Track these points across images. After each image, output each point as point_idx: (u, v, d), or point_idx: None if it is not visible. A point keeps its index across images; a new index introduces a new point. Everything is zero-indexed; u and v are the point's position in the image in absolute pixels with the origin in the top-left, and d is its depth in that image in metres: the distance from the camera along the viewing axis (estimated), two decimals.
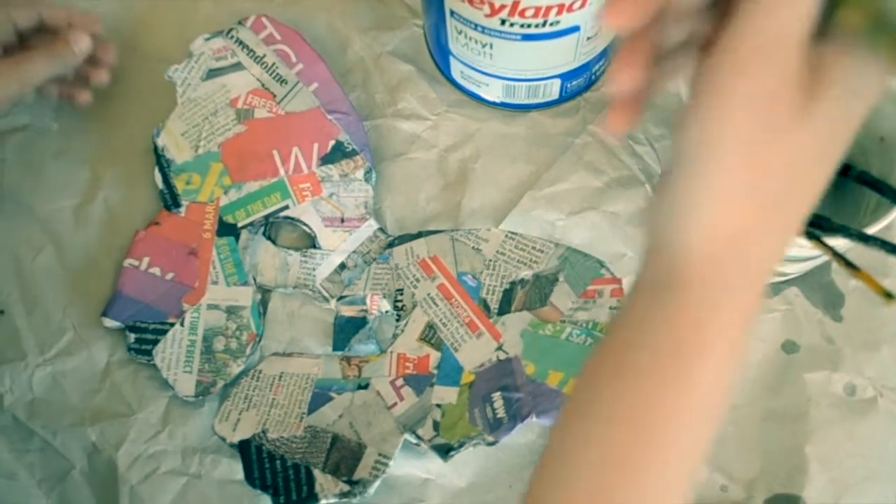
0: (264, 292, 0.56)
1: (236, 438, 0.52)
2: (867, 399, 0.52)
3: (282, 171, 0.57)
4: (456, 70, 0.57)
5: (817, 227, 0.46)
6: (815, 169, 0.28)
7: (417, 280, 0.54)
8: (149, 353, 0.54)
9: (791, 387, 0.53)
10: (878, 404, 0.52)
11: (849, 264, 0.43)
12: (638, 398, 0.28)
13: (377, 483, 0.50)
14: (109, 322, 0.55)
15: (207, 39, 0.60)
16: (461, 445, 0.50)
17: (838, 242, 0.45)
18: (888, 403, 0.52)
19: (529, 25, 0.49)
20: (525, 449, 0.52)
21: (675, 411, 0.28)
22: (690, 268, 0.28)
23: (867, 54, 0.26)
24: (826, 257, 0.49)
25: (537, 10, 0.48)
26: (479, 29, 0.51)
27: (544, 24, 0.49)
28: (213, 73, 0.59)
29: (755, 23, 0.25)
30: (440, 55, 0.58)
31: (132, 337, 0.55)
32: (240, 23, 0.60)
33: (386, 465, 0.50)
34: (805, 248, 0.45)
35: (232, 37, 0.59)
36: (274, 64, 0.59)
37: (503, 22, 0.49)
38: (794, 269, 0.52)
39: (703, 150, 0.27)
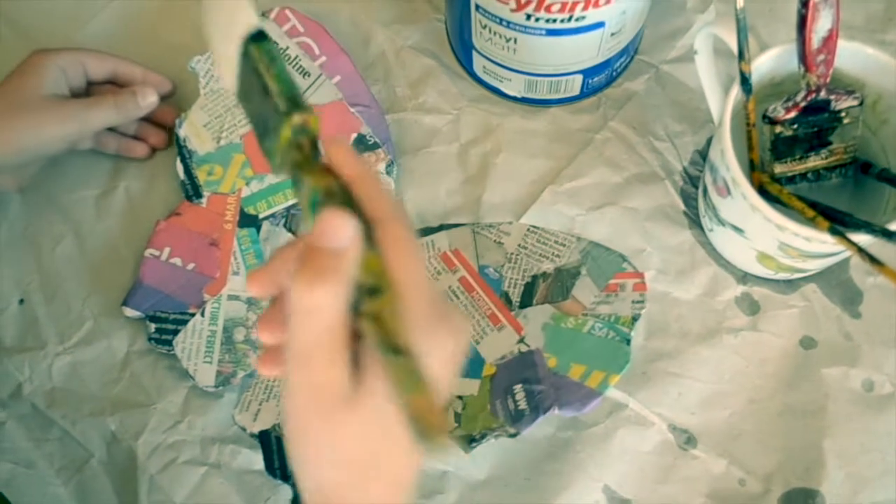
0: None
1: (256, 429, 0.52)
2: (885, 395, 0.53)
3: None
4: (478, 65, 0.58)
5: (840, 223, 0.46)
6: (376, 450, 0.31)
7: (439, 273, 0.55)
8: (169, 343, 0.54)
9: (809, 382, 0.53)
10: (895, 400, 0.52)
11: (872, 259, 0.43)
12: None
13: None
14: (130, 311, 0.55)
15: None
16: (483, 437, 0.50)
17: (861, 238, 0.45)
18: None
19: (555, 20, 0.50)
20: (544, 442, 0.53)
21: None
22: None
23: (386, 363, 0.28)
24: (844, 254, 0.50)
25: (563, 5, 0.48)
26: (504, 24, 0.51)
27: (570, 19, 0.50)
28: None
29: (294, 330, 0.29)
30: (462, 50, 0.58)
31: (152, 327, 0.55)
32: (263, 15, 0.60)
33: None
34: (827, 243, 0.46)
35: None
36: (297, 56, 0.59)
37: (528, 17, 0.50)
38: (813, 266, 0.53)
39: (286, 427, 0.31)
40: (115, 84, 0.57)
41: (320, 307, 0.28)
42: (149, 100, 0.56)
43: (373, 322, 0.28)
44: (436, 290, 0.31)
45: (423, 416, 0.26)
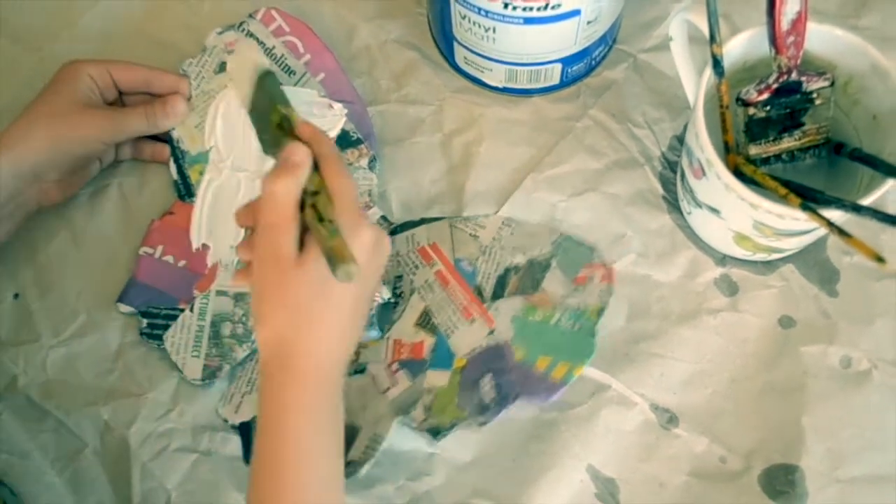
0: None
1: (238, 420, 0.54)
2: (862, 371, 0.53)
3: None
4: (459, 56, 0.59)
5: (813, 200, 0.47)
6: (316, 301, 0.42)
7: (416, 267, 0.56)
8: (160, 337, 0.55)
9: (788, 360, 0.54)
10: (872, 376, 0.53)
11: (841, 232, 0.44)
12: (267, 431, 0.43)
13: (370, 463, 0.51)
14: (125, 308, 0.56)
15: (220, 33, 0.61)
16: (452, 427, 0.51)
17: (832, 214, 0.46)
18: (883, 375, 0.53)
19: (531, 9, 0.51)
20: (528, 424, 0.53)
21: (283, 438, 0.42)
22: (264, 364, 0.43)
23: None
24: (818, 233, 0.51)
25: None
26: (483, 13, 0.52)
27: (546, 7, 0.51)
28: (225, 66, 0.60)
29: (262, 211, 0.42)
30: (444, 41, 0.59)
31: (145, 322, 0.56)
32: (250, 16, 0.61)
33: (379, 445, 0.51)
34: (799, 220, 0.47)
35: (243, 30, 0.61)
36: (283, 55, 0.60)
37: (506, 5, 0.51)
38: (789, 245, 0.53)
39: (253, 291, 0.43)
40: (149, 94, 0.59)
41: (279, 192, 0.41)
42: (178, 109, 0.57)
43: (312, 209, 0.41)
44: (358, 205, 0.43)
45: (336, 253, 0.39)
